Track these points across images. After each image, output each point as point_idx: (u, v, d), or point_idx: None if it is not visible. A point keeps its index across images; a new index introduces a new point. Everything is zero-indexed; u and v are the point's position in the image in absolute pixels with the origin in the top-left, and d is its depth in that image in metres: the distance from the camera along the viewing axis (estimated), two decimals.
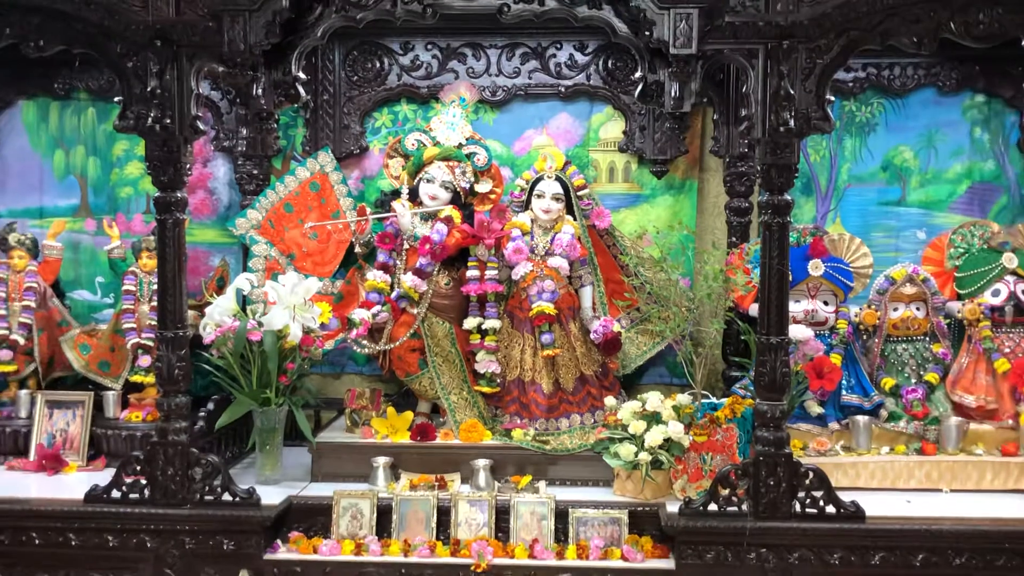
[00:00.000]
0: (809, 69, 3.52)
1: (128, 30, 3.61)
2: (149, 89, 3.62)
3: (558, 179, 4.34)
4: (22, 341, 4.51)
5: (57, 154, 4.90)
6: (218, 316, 4.02)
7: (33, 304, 4.54)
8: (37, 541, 3.81)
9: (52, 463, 4.26)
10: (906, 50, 3.61)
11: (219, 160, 4.84)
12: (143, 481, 3.77)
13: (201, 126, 3.72)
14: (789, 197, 3.58)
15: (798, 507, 3.63)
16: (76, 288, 4.92)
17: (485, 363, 4.30)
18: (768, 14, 3.51)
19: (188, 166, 3.74)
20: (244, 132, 4.66)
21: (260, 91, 3.77)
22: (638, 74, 3.88)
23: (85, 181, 4.90)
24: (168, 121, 3.63)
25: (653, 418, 3.90)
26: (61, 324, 4.68)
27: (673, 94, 3.58)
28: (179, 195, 3.73)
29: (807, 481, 3.64)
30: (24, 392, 4.53)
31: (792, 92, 3.50)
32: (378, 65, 4.72)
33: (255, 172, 4.70)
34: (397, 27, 4.42)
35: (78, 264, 4.91)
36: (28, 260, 4.58)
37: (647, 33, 3.50)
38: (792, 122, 3.50)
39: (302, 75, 3.86)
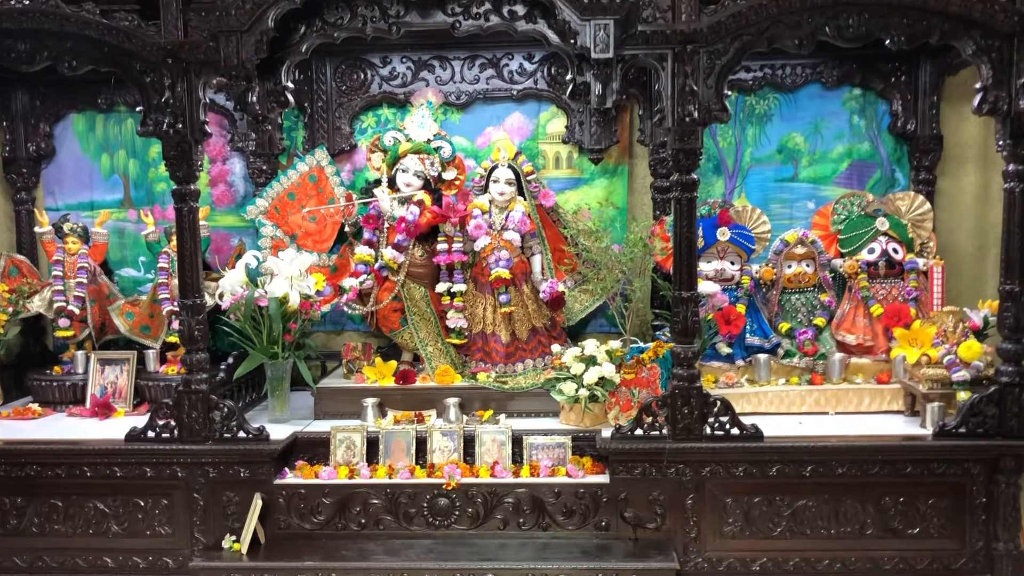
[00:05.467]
0: (710, 69, 3.37)
1: (144, 50, 3.45)
2: (163, 100, 3.46)
3: (510, 167, 4.18)
4: (77, 311, 4.36)
5: (103, 157, 4.72)
6: (229, 287, 3.89)
7: (85, 281, 4.39)
8: (89, 474, 3.69)
9: (103, 410, 4.13)
10: (790, 51, 3.46)
11: (235, 158, 4.66)
12: (172, 423, 3.65)
13: (208, 129, 3.55)
14: (695, 176, 3.43)
15: (708, 430, 3.51)
16: (123, 266, 4.76)
17: (454, 320, 4.16)
18: (674, 23, 3.36)
19: (199, 163, 3.58)
20: (253, 135, 4.51)
21: (255, 99, 3.59)
22: (568, 76, 3.71)
23: (127, 179, 4.73)
24: (180, 126, 3.47)
25: (590, 361, 3.78)
26: (109, 296, 4.53)
27: (597, 92, 3.40)
28: (192, 187, 3.57)
29: (715, 409, 3.52)
30: (80, 352, 4.39)
31: (696, 88, 3.35)
32: (362, 76, 4.54)
33: (264, 167, 4.54)
34: (377, 44, 4.28)
35: (124, 247, 4.74)
36: (80, 245, 4.42)
37: (572, 41, 3.33)
38: (696, 113, 3.36)
39: (290, 84, 3.67)
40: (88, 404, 4.18)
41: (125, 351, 4.30)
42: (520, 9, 3.50)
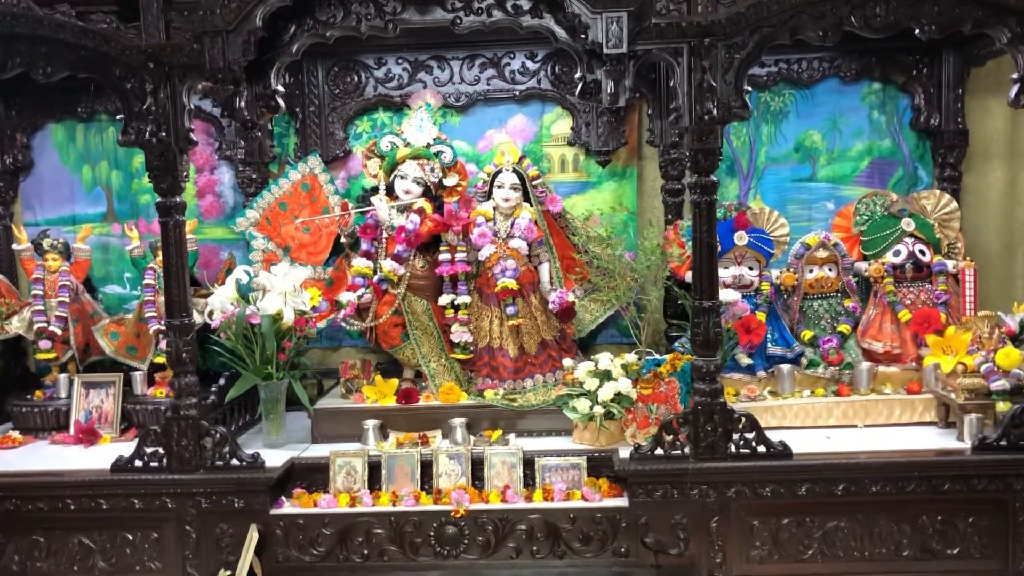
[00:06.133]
0: (728, 63, 3.17)
1: (124, 55, 3.24)
2: (145, 107, 3.26)
3: (515, 171, 3.97)
4: (59, 332, 4.14)
5: (85, 169, 4.51)
6: (219, 304, 3.67)
7: (67, 299, 4.17)
8: (72, 507, 3.46)
9: (88, 436, 3.91)
10: (813, 43, 3.26)
11: (224, 167, 4.46)
12: (161, 451, 3.44)
13: (194, 137, 3.35)
14: (715, 178, 3.24)
15: (733, 448, 3.31)
16: (108, 283, 4.55)
17: (459, 334, 3.95)
18: (690, 15, 3.17)
19: (184, 174, 3.37)
20: (242, 143, 4.29)
21: (243, 104, 3.39)
22: (578, 74, 3.50)
23: (110, 191, 4.52)
24: (164, 134, 3.27)
25: (605, 375, 3.59)
26: (93, 315, 4.32)
27: (609, 90, 3.21)
28: (178, 200, 3.36)
29: (740, 425, 3.32)
30: (63, 375, 4.17)
31: (714, 84, 3.16)
32: (356, 79, 4.33)
33: (254, 176, 4.33)
34: (372, 45, 4.08)
35: (108, 263, 4.54)
36: (61, 261, 4.20)
37: (583, 36, 3.14)
38: (715, 111, 3.16)
39: (281, 88, 3.47)
40: (72, 431, 3.96)
41: (111, 373, 4.08)
42: (525, 3, 3.30)
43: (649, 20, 3.14)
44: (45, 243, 4.21)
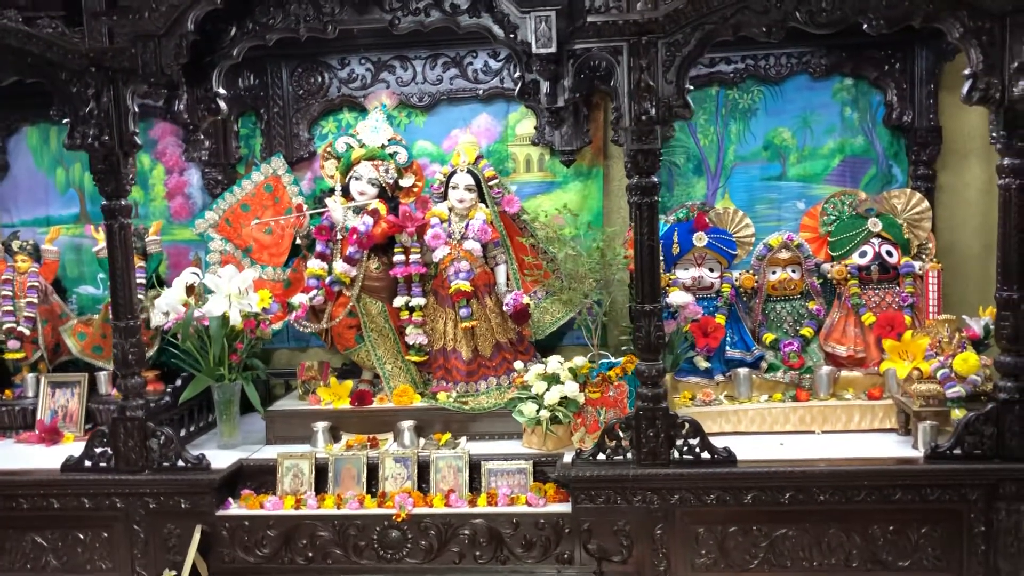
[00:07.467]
0: (669, 62, 3.11)
1: (67, 59, 3.30)
2: (88, 110, 3.29)
3: (470, 172, 3.94)
4: (27, 332, 4.22)
5: (59, 171, 4.58)
6: (165, 306, 3.70)
7: (36, 300, 4.25)
8: (25, 506, 3.53)
9: (50, 435, 3.98)
10: (759, 39, 3.18)
11: (193, 169, 4.48)
12: (109, 452, 3.48)
13: (138, 141, 3.37)
14: (656, 179, 3.18)
15: (676, 454, 3.25)
16: (81, 284, 4.60)
17: (414, 336, 3.94)
18: (628, 13, 3.11)
19: (130, 177, 3.41)
20: (207, 144, 4.32)
21: (182, 106, 3.41)
22: (517, 74, 3.46)
23: (83, 193, 4.57)
24: (107, 138, 3.31)
25: (553, 379, 3.54)
26: (62, 316, 4.37)
27: (545, 91, 3.17)
28: (123, 203, 3.41)
29: (684, 431, 3.25)
30: (31, 375, 4.24)
31: (652, 84, 3.09)
32: (320, 80, 4.32)
33: (219, 178, 4.35)
34: (335, 45, 4.08)
35: (82, 264, 4.59)
36: (30, 263, 4.29)
37: (512, 36, 3.09)
38: (654, 111, 3.10)
39: (222, 91, 3.49)
40: (36, 430, 4.03)
41: (76, 373, 4.14)
42: (463, 2, 3.26)
43: (582, 19, 3.09)
44: (15, 244, 4.29)
